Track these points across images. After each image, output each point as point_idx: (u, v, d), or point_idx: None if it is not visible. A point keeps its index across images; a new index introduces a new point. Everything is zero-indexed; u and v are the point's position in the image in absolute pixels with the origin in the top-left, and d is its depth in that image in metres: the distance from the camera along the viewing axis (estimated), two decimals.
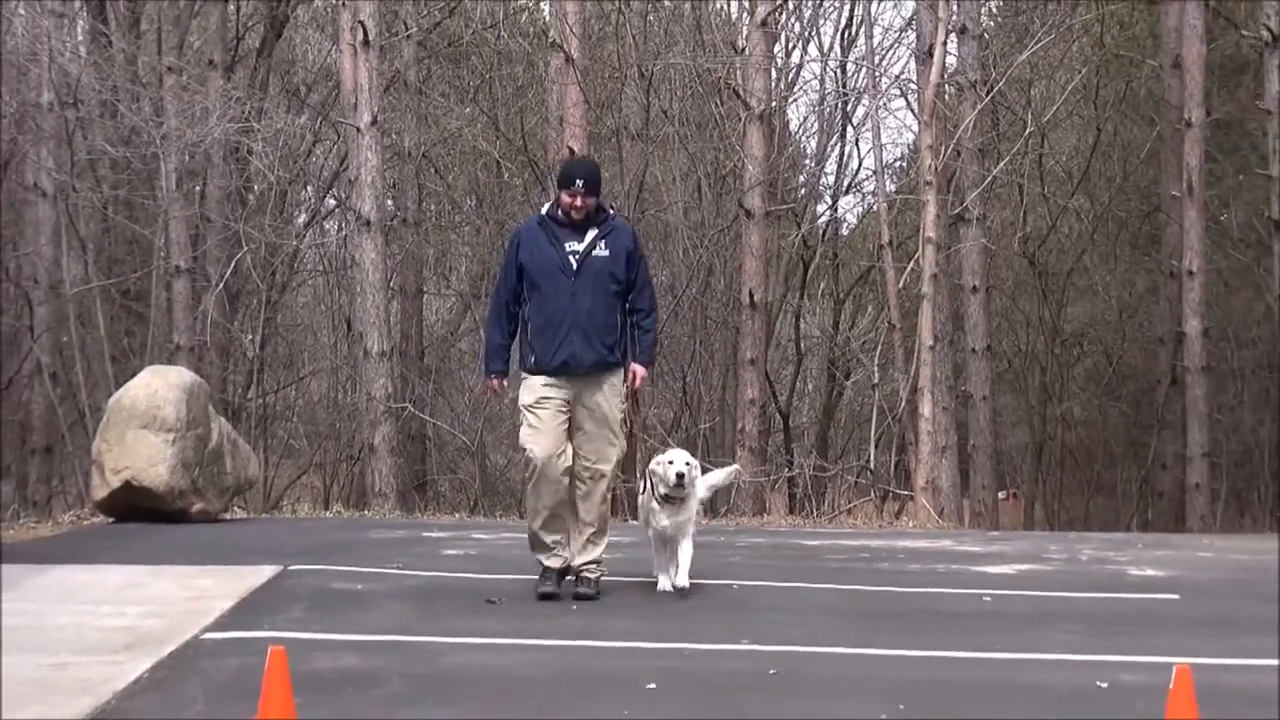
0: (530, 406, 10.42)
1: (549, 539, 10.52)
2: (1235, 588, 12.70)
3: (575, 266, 10.39)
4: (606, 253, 10.45)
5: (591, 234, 10.47)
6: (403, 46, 28.07)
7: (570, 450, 10.45)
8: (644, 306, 10.70)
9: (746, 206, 24.44)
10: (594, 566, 10.63)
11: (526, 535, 10.81)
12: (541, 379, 10.41)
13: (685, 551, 10.69)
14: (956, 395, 25.67)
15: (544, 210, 10.81)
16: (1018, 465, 35.03)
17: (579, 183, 10.37)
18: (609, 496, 10.78)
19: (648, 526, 10.94)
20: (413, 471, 26.30)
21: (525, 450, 10.51)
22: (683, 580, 10.66)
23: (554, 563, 10.54)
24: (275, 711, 6.64)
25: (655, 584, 10.93)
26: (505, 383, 10.84)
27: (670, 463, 10.52)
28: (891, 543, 16.11)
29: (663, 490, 10.51)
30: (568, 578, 10.59)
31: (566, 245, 10.42)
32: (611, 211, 10.81)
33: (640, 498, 11.29)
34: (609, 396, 10.48)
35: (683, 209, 28.93)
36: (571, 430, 10.47)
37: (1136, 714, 7.58)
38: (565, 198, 10.44)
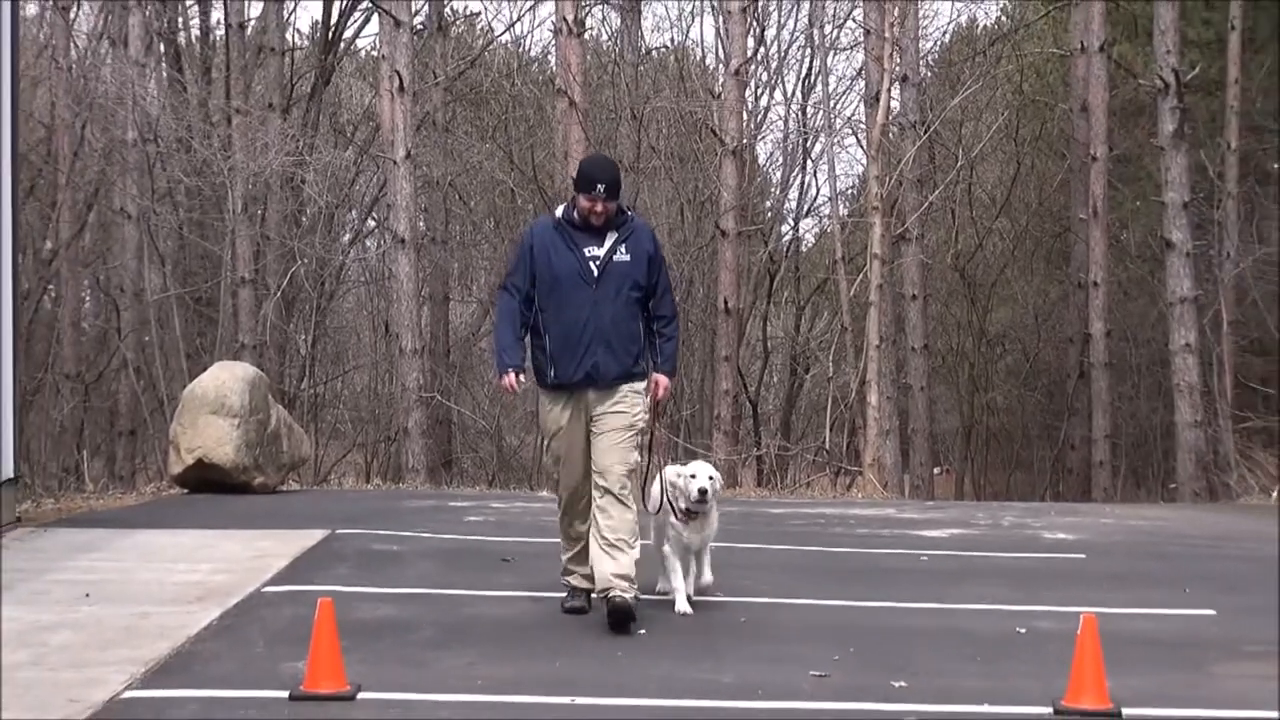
0: (554, 436, 8.46)
1: (582, 570, 8.54)
2: (1133, 549, 12.71)
3: (596, 273, 8.27)
4: (628, 257, 8.34)
5: (611, 238, 8.34)
6: (432, 92, 28.06)
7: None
8: (666, 313, 8.55)
9: (722, 227, 24.41)
10: (626, 584, 8.14)
11: (561, 563, 8.75)
12: (560, 400, 8.38)
13: (707, 560, 8.85)
14: (898, 386, 25.63)
15: (558, 212, 8.57)
16: (950, 446, 34.96)
17: (600, 188, 8.21)
18: (630, 504, 8.32)
19: (661, 540, 8.74)
20: (440, 451, 26.25)
21: (554, 480, 8.71)
22: (708, 577, 8.88)
23: (584, 584, 8.53)
24: (325, 653, 6.65)
25: (656, 593, 8.83)
26: (522, 377, 8.48)
27: (693, 476, 8.48)
28: (843, 511, 16.10)
29: (683, 504, 8.49)
30: (596, 596, 8.38)
31: (585, 250, 8.30)
32: (630, 212, 8.59)
33: (649, 504, 8.75)
34: (630, 403, 8.37)
35: (668, 229, 28.86)
36: (590, 441, 8.38)
37: (1050, 655, 7.59)
38: (584, 202, 8.27)
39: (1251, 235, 24.74)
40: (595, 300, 8.28)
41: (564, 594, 8.71)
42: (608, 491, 8.27)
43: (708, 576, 8.87)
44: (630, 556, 8.21)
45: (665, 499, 8.60)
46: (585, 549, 8.43)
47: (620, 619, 8.00)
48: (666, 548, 8.63)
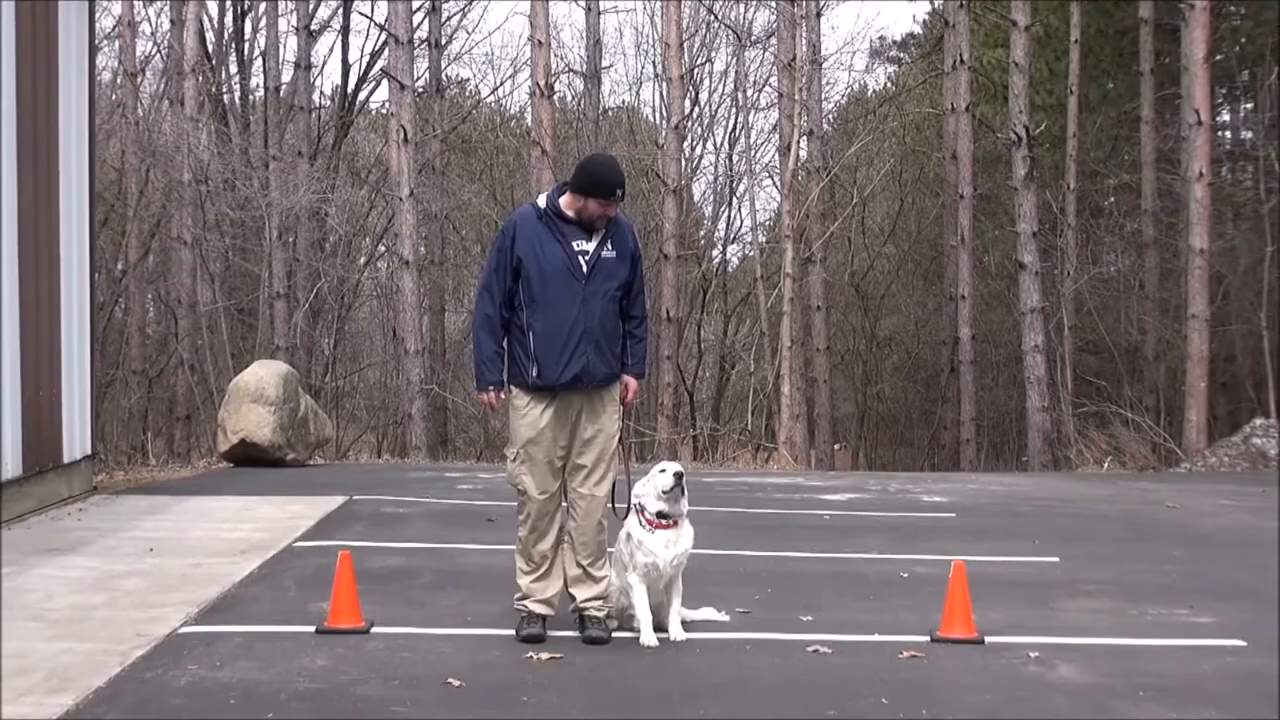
0: (529, 442, 6.45)
1: (543, 593, 6.56)
2: (992, 509, 12.78)
3: (586, 269, 6.36)
4: (614, 254, 6.44)
5: (599, 234, 6.42)
6: (431, 142, 27.95)
7: (563, 486, 6.58)
8: (638, 313, 6.61)
9: (665, 252, 24.42)
10: (600, 603, 6.55)
11: (518, 585, 6.64)
12: (542, 402, 6.42)
13: (679, 590, 6.55)
14: (806, 380, 25.69)
15: (541, 202, 6.54)
16: (847, 427, 34.95)
17: (619, 193, 6.35)
18: (604, 524, 6.55)
19: (628, 565, 6.43)
20: (437, 432, 26.17)
21: (520, 488, 6.53)
22: (677, 630, 6.48)
23: (541, 610, 6.54)
24: (344, 596, 6.63)
25: (630, 630, 6.51)
26: (502, 394, 6.51)
27: (662, 471, 6.40)
28: (762, 479, 16.15)
29: (656, 506, 6.36)
30: (571, 611, 6.60)
31: (574, 244, 6.37)
32: None
33: (622, 529, 6.57)
34: (610, 415, 6.51)
35: None
36: (568, 452, 6.51)
37: (927, 595, 7.63)
38: (594, 207, 6.33)
39: (1087, 258, 25.04)
40: (585, 297, 6.37)
41: (519, 621, 6.57)
42: (590, 515, 6.53)
43: (679, 593, 6.57)
44: (603, 579, 6.59)
45: (632, 512, 6.52)
46: (548, 570, 6.59)
47: (600, 643, 6.42)
48: (631, 576, 6.40)
